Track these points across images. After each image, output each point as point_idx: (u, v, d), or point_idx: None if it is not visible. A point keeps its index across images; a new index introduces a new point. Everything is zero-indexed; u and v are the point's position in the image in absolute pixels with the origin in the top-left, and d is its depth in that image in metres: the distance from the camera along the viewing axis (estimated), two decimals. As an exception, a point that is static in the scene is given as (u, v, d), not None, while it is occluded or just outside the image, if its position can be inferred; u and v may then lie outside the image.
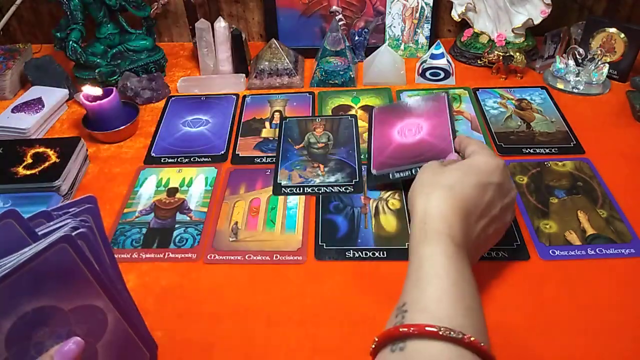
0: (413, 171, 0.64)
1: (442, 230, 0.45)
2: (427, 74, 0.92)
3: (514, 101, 0.84)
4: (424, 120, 0.72)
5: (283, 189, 0.68)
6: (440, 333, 0.37)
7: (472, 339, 0.37)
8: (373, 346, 0.39)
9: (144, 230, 0.64)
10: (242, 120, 0.83)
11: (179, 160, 0.75)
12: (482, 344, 0.37)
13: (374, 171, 0.68)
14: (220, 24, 0.90)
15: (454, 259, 0.43)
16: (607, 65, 0.84)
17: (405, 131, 0.72)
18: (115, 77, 0.90)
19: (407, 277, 0.44)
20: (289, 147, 0.76)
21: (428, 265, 0.43)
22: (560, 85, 0.87)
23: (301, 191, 0.68)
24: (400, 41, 0.98)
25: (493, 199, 0.49)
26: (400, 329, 0.38)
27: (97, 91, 0.78)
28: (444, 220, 0.45)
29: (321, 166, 0.71)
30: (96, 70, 0.89)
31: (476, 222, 0.48)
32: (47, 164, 0.69)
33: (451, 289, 0.41)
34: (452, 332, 0.37)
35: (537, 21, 0.90)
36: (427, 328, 0.37)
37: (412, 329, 0.37)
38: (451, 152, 0.63)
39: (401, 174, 0.65)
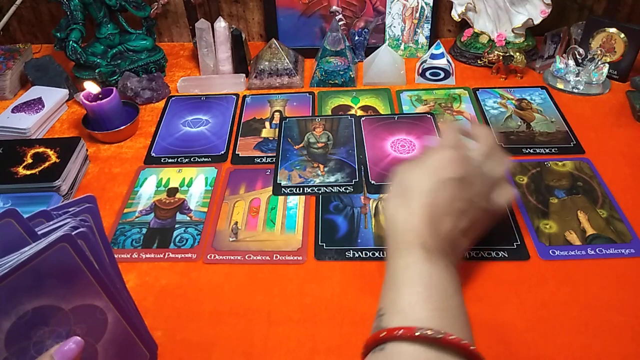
0: None
1: (411, 241, 0.46)
2: (427, 73, 0.92)
3: (514, 101, 0.84)
4: (415, 138, 0.76)
5: (283, 189, 0.68)
6: (417, 334, 0.37)
7: (451, 337, 0.37)
8: (362, 352, 0.41)
9: (144, 230, 0.64)
10: (242, 120, 0.83)
11: (179, 160, 0.75)
12: (463, 341, 0.38)
13: (372, 182, 0.68)
14: (220, 24, 0.90)
15: (427, 264, 0.44)
16: (607, 65, 0.84)
17: (398, 146, 0.74)
18: (115, 77, 0.90)
19: (384, 283, 0.45)
20: (289, 147, 0.76)
21: (402, 273, 0.44)
22: (560, 85, 0.87)
23: (301, 191, 0.68)
24: (400, 41, 0.98)
25: (453, 194, 0.48)
26: (380, 334, 0.39)
27: (97, 88, 0.78)
28: (412, 231, 0.46)
29: (321, 166, 0.71)
30: (96, 70, 0.89)
31: (442, 221, 0.47)
32: (47, 164, 0.69)
33: (425, 293, 0.42)
34: (429, 332, 0.37)
35: (537, 21, 0.90)
36: (403, 330, 0.38)
37: (394, 332, 0.38)
38: None
39: None
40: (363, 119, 0.81)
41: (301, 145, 0.76)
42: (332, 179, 0.69)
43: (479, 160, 0.52)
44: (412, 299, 0.42)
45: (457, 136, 0.54)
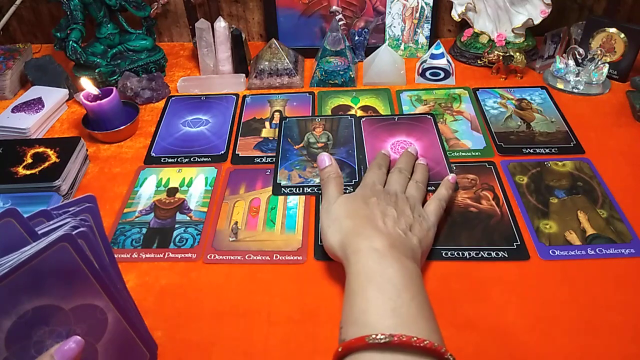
0: None
1: (355, 248, 0.49)
2: (427, 73, 0.92)
3: (514, 101, 0.84)
4: (415, 140, 0.75)
5: (283, 189, 0.68)
6: (369, 341, 0.38)
7: (402, 337, 0.38)
8: None
9: (144, 230, 0.64)
10: (242, 120, 0.83)
11: (179, 160, 0.75)
12: (415, 339, 0.38)
13: None
14: (220, 24, 0.90)
15: (374, 264, 0.47)
16: (607, 65, 0.84)
17: (398, 148, 0.74)
18: (115, 77, 0.90)
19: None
20: (289, 147, 0.76)
21: (353, 281, 0.46)
22: (560, 85, 0.87)
23: (301, 191, 0.68)
24: (400, 41, 0.98)
25: (357, 205, 0.56)
26: (339, 349, 0.40)
27: (92, 85, 0.78)
28: (351, 243, 0.50)
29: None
30: (96, 70, 0.89)
31: (366, 225, 0.52)
32: (47, 163, 0.69)
33: (375, 296, 0.43)
34: (379, 337, 0.38)
35: (537, 21, 0.90)
36: (356, 340, 0.39)
37: (350, 345, 0.39)
38: (446, 174, 0.67)
39: None
40: (363, 119, 0.80)
41: (301, 145, 0.76)
42: (332, 179, 0.69)
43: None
44: (363, 306, 0.43)
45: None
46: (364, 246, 0.49)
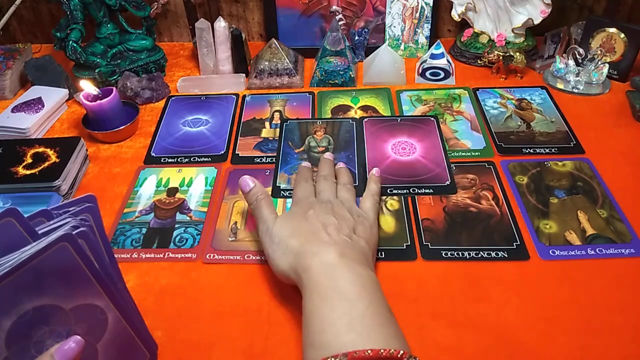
0: (410, 190, 0.67)
1: (304, 266, 0.48)
2: (427, 73, 0.92)
3: (514, 101, 0.84)
4: (417, 141, 0.75)
5: (282, 192, 0.68)
6: None
7: (355, 353, 0.38)
8: None
9: (144, 230, 0.64)
10: (242, 120, 0.83)
11: (179, 160, 0.75)
12: (369, 352, 0.38)
13: None
14: (220, 24, 0.90)
15: (328, 279, 0.46)
16: (607, 65, 0.84)
17: (399, 149, 0.74)
18: (115, 77, 0.90)
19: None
20: (289, 150, 0.76)
21: (307, 303, 0.46)
22: (560, 85, 0.87)
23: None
24: (400, 41, 0.98)
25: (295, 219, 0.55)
26: None
27: (92, 87, 0.78)
28: (300, 261, 0.49)
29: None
30: (96, 70, 0.89)
31: (311, 236, 0.51)
32: (47, 163, 0.69)
33: (329, 312, 0.43)
34: (334, 359, 0.38)
35: (537, 21, 0.90)
36: None
37: None
38: (446, 178, 0.68)
39: (399, 191, 0.67)
40: (365, 119, 0.80)
41: (301, 149, 0.76)
42: (331, 180, 0.69)
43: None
44: (319, 327, 0.42)
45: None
46: (314, 262, 0.47)
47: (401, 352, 0.38)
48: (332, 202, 0.57)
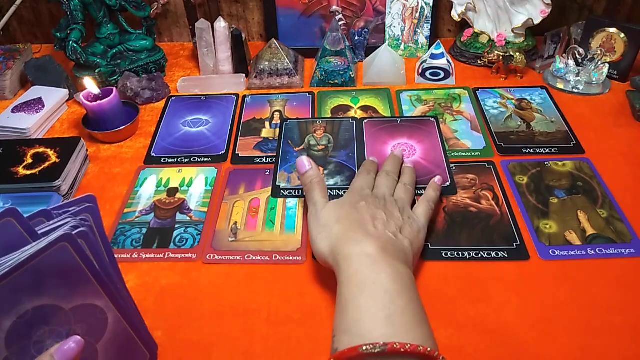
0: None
1: (346, 254, 0.49)
2: (427, 73, 0.92)
3: (514, 101, 0.84)
4: (416, 142, 0.75)
5: (282, 191, 0.68)
6: (361, 351, 0.38)
7: (395, 345, 0.38)
8: None
9: (144, 230, 0.64)
10: (242, 120, 0.83)
11: (179, 160, 0.75)
12: (408, 346, 0.38)
13: None
14: (220, 24, 0.90)
15: (366, 270, 0.46)
16: (607, 65, 0.84)
17: (399, 150, 0.73)
18: (115, 77, 0.90)
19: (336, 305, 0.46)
20: (289, 149, 0.76)
21: (345, 289, 0.46)
22: (560, 85, 0.87)
23: (300, 194, 0.67)
24: (400, 41, 0.98)
25: (346, 210, 0.55)
26: (332, 358, 0.40)
27: (95, 86, 0.78)
28: (342, 248, 0.50)
29: (321, 169, 0.71)
30: (96, 70, 0.89)
31: (356, 229, 0.51)
32: (47, 164, 0.69)
33: (367, 304, 0.43)
34: (370, 347, 0.38)
35: (537, 21, 0.90)
36: (348, 350, 0.39)
37: (342, 355, 0.39)
38: (447, 179, 0.68)
39: None
40: (365, 121, 0.80)
41: (301, 147, 0.76)
42: (331, 182, 0.69)
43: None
44: (356, 315, 0.42)
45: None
46: (355, 251, 0.48)
47: (436, 352, 0.39)
48: (387, 199, 0.57)
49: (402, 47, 0.99)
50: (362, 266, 0.46)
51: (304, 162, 0.60)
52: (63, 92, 0.88)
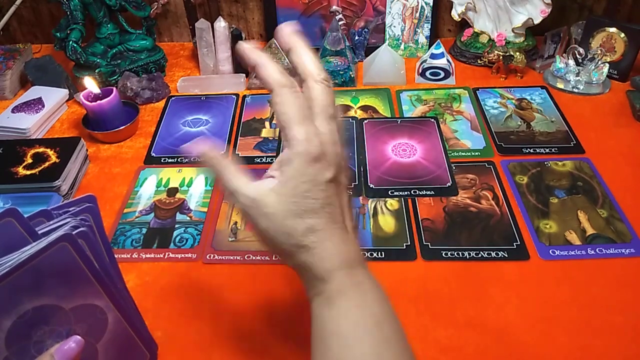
0: (411, 192, 0.66)
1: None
2: (427, 73, 0.92)
3: (514, 101, 0.84)
4: (417, 142, 0.75)
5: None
6: None
7: None
8: None
9: (144, 230, 0.64)
10: (242, 120, 0.83)
11: (179, 160, 0.75)
12: None
13: (371, 185, 0.68)
14: (220, 24, 0.90)
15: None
16: (607, 65, 0.84)
17: (400, 150, 0.74)
18: (115, 77, 0.90)
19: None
20: (289, 147, 0.76)
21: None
22: (560, 85, 0.87)
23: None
24: (400, 41, 0.98)
25: None
26: None
27: (95, 86, 0.78)
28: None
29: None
30: (96, 70, 0.89)
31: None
32: (47, 164, 0.69)
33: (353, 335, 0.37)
34: None
35: (537, 21, 0.90)
36: None
37: None
38: (447, 179, 0.68)
39: (400, 193, 0.67)
40: (365, 121, 0.80)
41: (301, 146, 0.76)
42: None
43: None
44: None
45: None
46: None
47: None
48: None
49: (402, 46, 0.99)
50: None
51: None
52: (63, 92, 0.88)
